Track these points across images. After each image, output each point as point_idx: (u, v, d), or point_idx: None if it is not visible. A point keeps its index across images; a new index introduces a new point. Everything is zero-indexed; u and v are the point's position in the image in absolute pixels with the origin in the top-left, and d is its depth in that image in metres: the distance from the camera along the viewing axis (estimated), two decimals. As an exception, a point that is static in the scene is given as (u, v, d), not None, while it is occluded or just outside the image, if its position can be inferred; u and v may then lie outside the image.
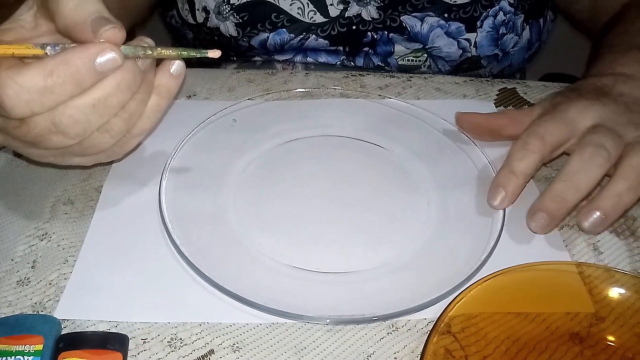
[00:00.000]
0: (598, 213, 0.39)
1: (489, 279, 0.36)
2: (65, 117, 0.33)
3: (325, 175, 0.47)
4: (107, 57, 0.33)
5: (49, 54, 0.34)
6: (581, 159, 0.39)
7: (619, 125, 0.41)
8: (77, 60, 0.32)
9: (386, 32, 0.61)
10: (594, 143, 0.40)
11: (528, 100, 0.55)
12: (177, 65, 0.38)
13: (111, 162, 0.46)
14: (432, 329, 0.33)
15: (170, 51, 0.37)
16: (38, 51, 0.34)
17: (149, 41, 0.37)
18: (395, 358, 0.34)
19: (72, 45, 0.34)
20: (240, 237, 0.41)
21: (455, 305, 0.35)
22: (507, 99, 0.55)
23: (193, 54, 0.37)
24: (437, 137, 0.50)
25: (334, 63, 0.64)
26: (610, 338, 0.35)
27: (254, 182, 0.45)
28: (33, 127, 0.34)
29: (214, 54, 0.37)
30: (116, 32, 0.33)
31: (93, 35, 0.33)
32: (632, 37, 0.50)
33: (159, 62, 0.38)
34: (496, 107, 0.54)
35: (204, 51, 0.37)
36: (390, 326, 0.35)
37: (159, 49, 0.36)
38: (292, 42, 0.62)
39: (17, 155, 0.47)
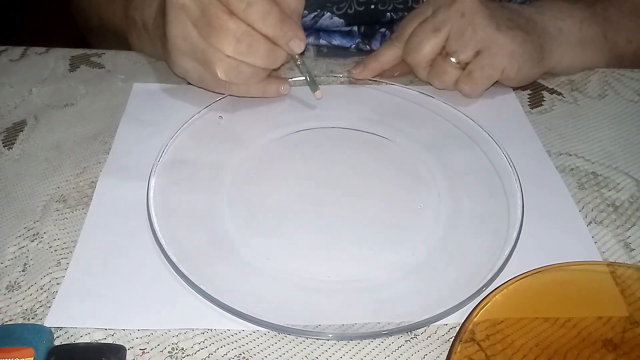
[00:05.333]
0: None
1: (515, 281, 0.34)
2: (224, 29, 0.40)
3: (328, 171, 0.43)
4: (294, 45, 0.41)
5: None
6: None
7: None
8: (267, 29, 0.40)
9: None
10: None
11: (546, 85, 0.52)
12: (286, 89, 0.47)
13: (106, 155, 0.44)
14: (455, 337, 0.31)
15: (302, 68, 0.46)
16: None
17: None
18: (415, 368, 0.31)
19: None
20: (238, 243, 0.38)
21: (479, 311, 0.32)
22: (528, 84, 0.52)
23: (310, 83, 0.46)
24: (446, 126, 0.47)
25: (349, 46, 0.60)
26: (647, 345, 0.32)
27: (251, 179, 0.42)
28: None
29: (319, 94, 0.46)
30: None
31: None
32: None
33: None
34: (515, 91, 0.51)
35: (315, 88, 0.46)
36: (409, 333, 0.33)
37: (298, 60, 0.45)
38: (304, 19, 0.58)
39: (7, 147, 0.44)
